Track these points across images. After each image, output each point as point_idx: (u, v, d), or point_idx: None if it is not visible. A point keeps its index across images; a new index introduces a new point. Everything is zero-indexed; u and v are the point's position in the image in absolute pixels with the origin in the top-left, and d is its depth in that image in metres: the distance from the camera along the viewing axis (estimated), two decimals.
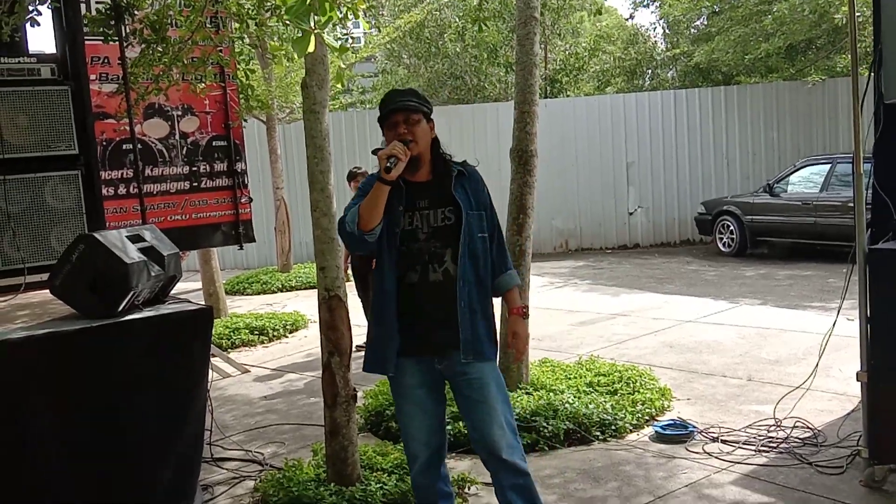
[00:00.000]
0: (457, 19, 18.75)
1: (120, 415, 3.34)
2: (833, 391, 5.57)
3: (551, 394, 5.41)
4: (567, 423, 5.01)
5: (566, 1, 18.99)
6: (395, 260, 3.23)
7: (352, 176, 8.21)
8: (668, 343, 7.46)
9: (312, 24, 2.76)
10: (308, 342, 8.61)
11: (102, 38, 5.11)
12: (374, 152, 3.18)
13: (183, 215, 6.98)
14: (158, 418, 3.44)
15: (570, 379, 5.87)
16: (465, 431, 3.72)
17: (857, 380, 4.12)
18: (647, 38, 23.12)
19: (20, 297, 4.07)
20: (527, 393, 5.49)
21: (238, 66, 6.48)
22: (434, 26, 19.26)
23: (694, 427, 5.04)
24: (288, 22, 2.85)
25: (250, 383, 7.20)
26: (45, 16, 4.51)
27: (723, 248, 13.26)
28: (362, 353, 3.48)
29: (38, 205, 4.25)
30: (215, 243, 7.84)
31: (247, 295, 12.41)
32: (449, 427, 4.40)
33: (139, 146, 6.24)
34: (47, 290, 3.55)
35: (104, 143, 6.47)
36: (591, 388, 5.65)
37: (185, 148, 7.02)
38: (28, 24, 4.49)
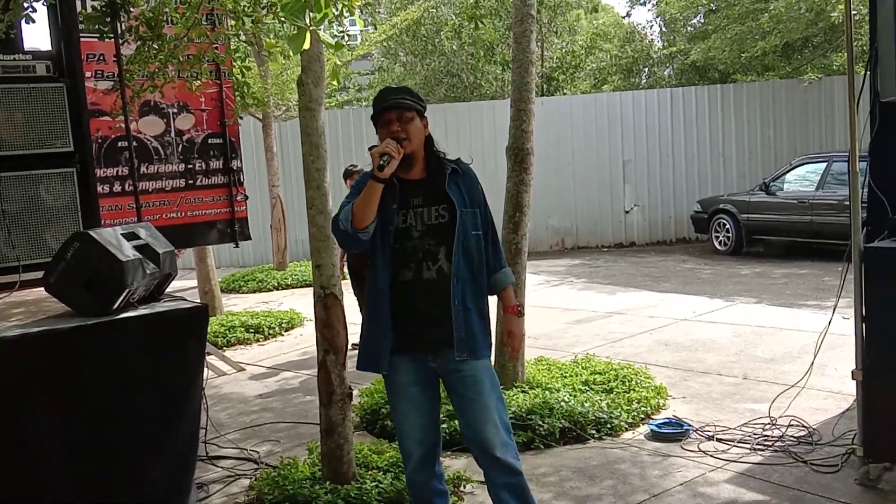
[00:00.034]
0: (453, 17, 18.73)
1: (115, 413, 3.33)
2: (828, 390, 5.58)
3: (547, 392, 5.41)
4: (563, 421, 5.01)
5: None
6: (389, 258, 3.23)
7: (348, 174, 8.20)
8: (663, 341, 7.47)
9: (308, 20, 2.75)
10: (304, 340, 8.61)
11: (98, 35, 5.09)
12: (371, 150, 3.18)
13: (178, 213, 6.97)
14: (153, 416, 3.44)
15: (565, 377, 5.87)
16: (461, 430, 3.71)
17: (853, 378, 4.12)
18: (644, 36, 23.10)
19: (15, 294, 4.06)
20: (522, 391, 5.49)
21: (234, 63, 6.49)
22: (430, 24, 19.25)
23: (689, 425, 5.05)
24: (283, 19, 2.84)
25: (246, 381, 7.20)
26: (41, 13, 4.51)
27: (719, 247, 13.27)
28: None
29: (33, 202, 4.24)
30: (211, 241, 7.83)
31: (242, 293, 12.40)
32: (444, 425, 4.42)
33: (134, 144, 6.22)
34: (42, 288, 3.55)
35: (99, 141, 6.46)
36: (586, 387, 5.66)
37: (180, 145, 7.01)
38: (23, 21, 4.47)
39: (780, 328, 7.65)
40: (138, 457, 3.41)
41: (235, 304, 11.02)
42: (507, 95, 15.73)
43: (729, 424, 5.07)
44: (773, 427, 4.91)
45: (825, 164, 11.84)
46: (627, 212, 15.20)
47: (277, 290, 12.37)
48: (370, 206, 3.10)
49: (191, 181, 7.05)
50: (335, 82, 4.40)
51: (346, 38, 7.99)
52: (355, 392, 4.69)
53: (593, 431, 5.03)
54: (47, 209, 4.28)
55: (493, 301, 3.44)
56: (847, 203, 4.45)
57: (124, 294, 3.38)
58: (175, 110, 7.00)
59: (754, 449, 4.65)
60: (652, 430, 5.04)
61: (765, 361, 6.55)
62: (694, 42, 19.76)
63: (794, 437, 4.75)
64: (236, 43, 8.09)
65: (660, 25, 23.52)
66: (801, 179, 12.23)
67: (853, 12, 4.29)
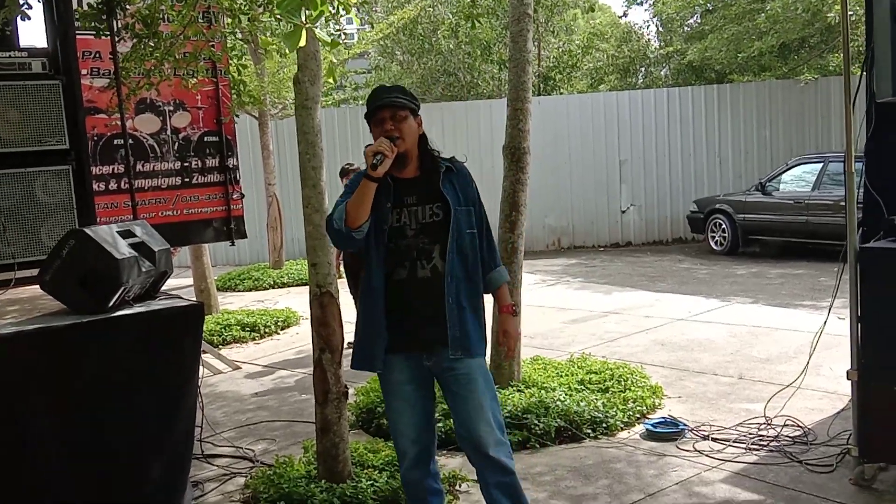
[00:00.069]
0: (450, 16, 18.74)
1: (112, 411, 3.32)
2: (823, 390, 5.59)
3: (542, 391, 5.42)
4: (558, 420, 5.02)
5: None
6: (384, 257, 3.22)
7: (344, 172, 8.19)
8: (659, 341, 7.48)
9: (304, 18, 2.75)
10: (299, 339, 8.60)
11: (94, 32, 5.09)
12: (365, 149, 3.18)
13: (174, 211, 6.95)
14: (149, 415, 3.43)
15: (561, 377, 5.88)
16: (454, 428, 3.71)
17: (848, 378, 4.12)
18: (641, 35, 23.14)
19: (10, 292, 4.05)
20: (518, 390, 5.49)
21: (230, 61, 6.47)
22: (427, 23, 19.24)
23: (685, 425, 5.05)
24: (279, 16, 2.84)
25: (241, 380, 7.19)
26: (36, 10, 4.49)
27: (715, 247, 13.29)
28: None
29: (28, 200, 4.22)
30: (207, 239, 7.81)
31: (238, 291, 12.39)
32: (440, 424, 4.41)
33: (130, 141, 6.20)
34: (37, 286, 3.54)
35: (95, 138, 6.43)
36: (582, 386, 5.66)
37: (176, 143, 6.99)
38: (19, 18, 4.45)
39: (775, 328, 7.66)
40: (133, 455, 3.40)
41: (231, 303, 11.01)
42: (503, 95, 15.75)
43: (724, 424, 5.08)
44: (769, 427, 4.91)
45: (821, 164, 11.86)
46: (624, 211, 15.21)
47: (273, 288, 12.37)
48: (364, 205, 3.10)
49: (187, 179, 7.03)
50: (331, 80, 4.39)
51: (343, 36, 7.98)
52: (351, 391, 4.69)
53: (589, 431, 5.03)
54: (43, 206, 4.26)
55: (488, 300, 3.44)
56: (843, 203, 4.46)
57: (120, 292, 3.37)
58: (171, 108, 6.98)
59: (749, 449, 4.66)
60: (647, 429, 5.04)
61: (760, 361, 6.56)
62: (690, 42, 19.78)
63: (790, 437, 4.76)
64: (233, 41, 8.06)
65: (656, 25, 23.57)
66: (798, 180, 12.25)
67: (850, 13, 4.30)
